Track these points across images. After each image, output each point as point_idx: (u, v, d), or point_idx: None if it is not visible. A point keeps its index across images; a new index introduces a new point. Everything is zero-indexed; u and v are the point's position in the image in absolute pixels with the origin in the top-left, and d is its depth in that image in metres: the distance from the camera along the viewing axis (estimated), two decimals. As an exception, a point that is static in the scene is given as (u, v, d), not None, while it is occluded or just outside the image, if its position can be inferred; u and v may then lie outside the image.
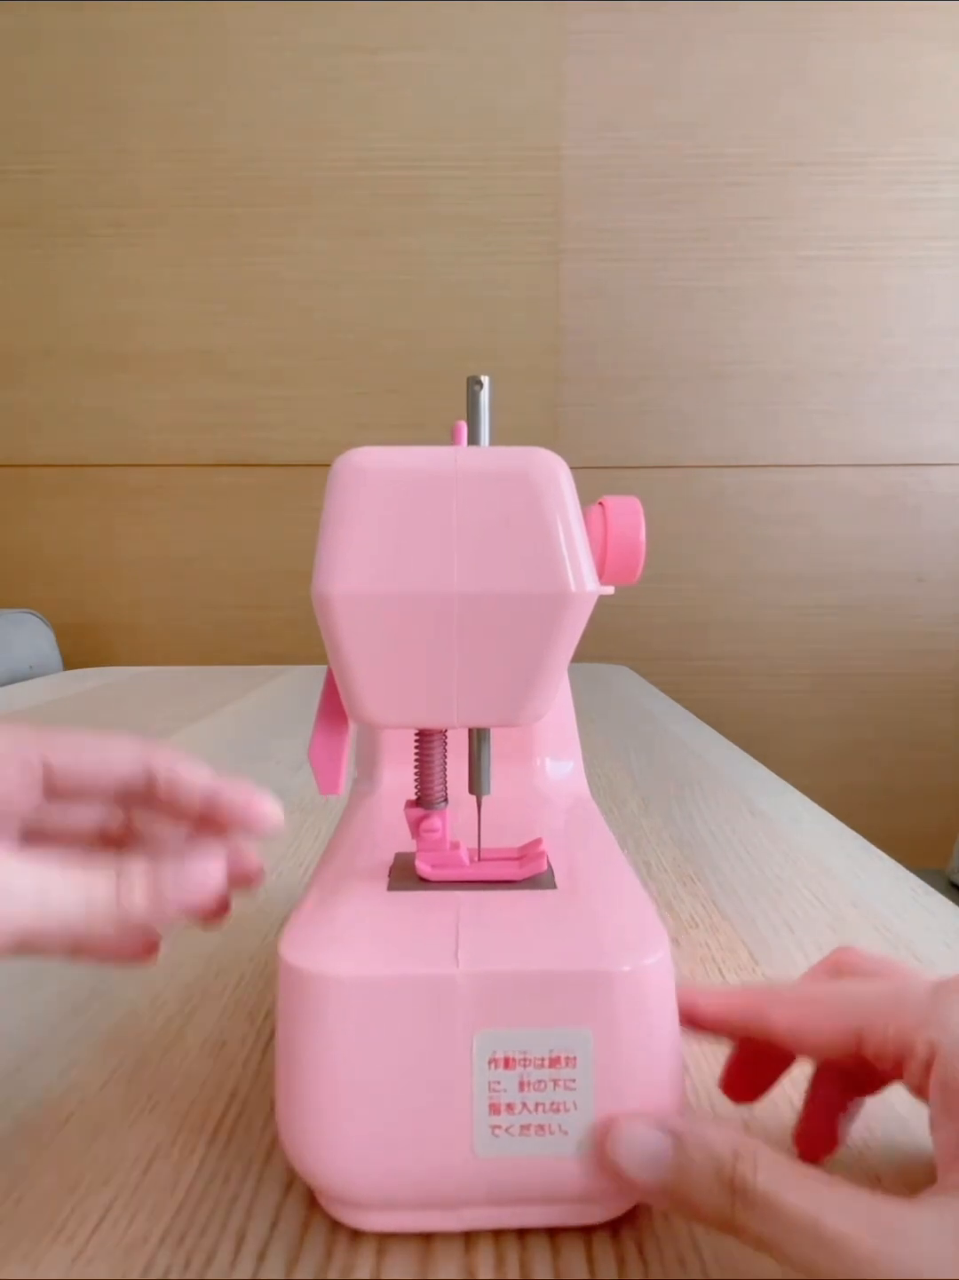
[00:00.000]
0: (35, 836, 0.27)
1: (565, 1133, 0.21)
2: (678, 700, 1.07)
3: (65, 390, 1.57)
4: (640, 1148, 0.21)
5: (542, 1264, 0.22)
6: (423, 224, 1.53)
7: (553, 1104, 0.21)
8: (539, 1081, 0.21)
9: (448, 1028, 0.21)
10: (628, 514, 0.27)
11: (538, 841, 0.27)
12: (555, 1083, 0.21)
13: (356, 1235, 0.23)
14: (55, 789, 0.26)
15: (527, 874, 0.26)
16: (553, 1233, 0.23)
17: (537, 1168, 0.22)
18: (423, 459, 0.23)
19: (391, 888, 0.26)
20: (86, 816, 0.28)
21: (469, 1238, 0.23)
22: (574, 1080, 0.22)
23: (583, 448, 1.56)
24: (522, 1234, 0.23)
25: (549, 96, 1.50)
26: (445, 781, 0.27)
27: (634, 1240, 0.23)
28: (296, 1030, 0.22)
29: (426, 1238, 0.23)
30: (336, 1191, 0.22)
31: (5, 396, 1.57)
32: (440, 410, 1.54)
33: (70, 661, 1.55)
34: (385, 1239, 0.23)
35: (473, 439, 0.26)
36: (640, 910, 0.25)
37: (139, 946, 0.27)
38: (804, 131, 1.51)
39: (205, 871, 0.24)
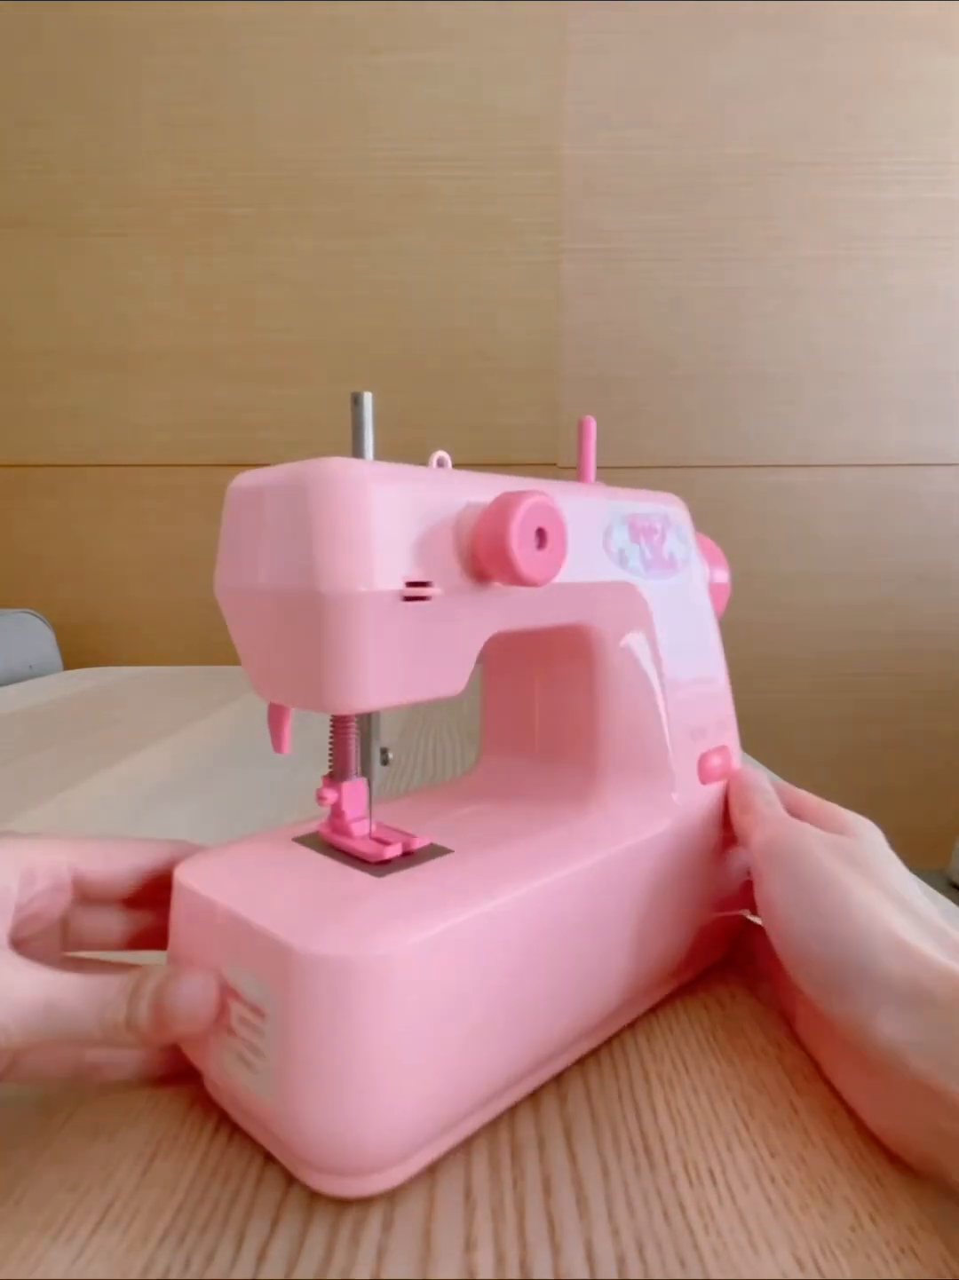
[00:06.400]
0: (72, 941, 0.29)
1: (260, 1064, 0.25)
2: (678, 700, 1.06)
3: (65, 390, 1.57)
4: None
5: (542, 1264, 0.22)
6: (422, 224, 1.53)
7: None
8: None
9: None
10: (494, 515, 0.27)
11: (415, 840, 0.30)
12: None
13: (357, 1235, 0.23)
14: (87, 896, 0.28)
15: (375, 859, 0.28)
16: (554, 1232, 0.23)
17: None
18: (264, 475, 0.26)
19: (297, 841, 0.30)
20: (117, 921, 0.30)
21: (469, 1237, 0.23)
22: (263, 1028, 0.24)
23: (583, 448, 1.56)
24: (523, 1234, 0.23)
25: (549, 96, 1.50)
26: (351, 758, 0.30)
27: (634, 1239, 0.23)
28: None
29: (427, 1237, 0.23)
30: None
31: (5, 397, 1.57)
32: (440, 410, 1.55)
33: (70, 661, 1.55)
34: (386, 1239, 0.23)
35: (357, 452, 0.28)
36: (432, 912, 0.25)
37: (156, 1069, 0.28)
38: (804, 131, 1.51)
39: (199, 991, 0.25)
